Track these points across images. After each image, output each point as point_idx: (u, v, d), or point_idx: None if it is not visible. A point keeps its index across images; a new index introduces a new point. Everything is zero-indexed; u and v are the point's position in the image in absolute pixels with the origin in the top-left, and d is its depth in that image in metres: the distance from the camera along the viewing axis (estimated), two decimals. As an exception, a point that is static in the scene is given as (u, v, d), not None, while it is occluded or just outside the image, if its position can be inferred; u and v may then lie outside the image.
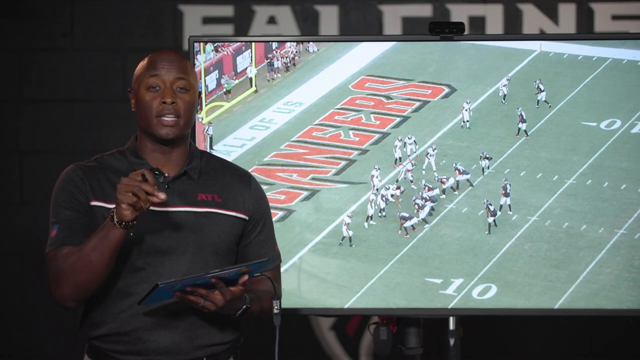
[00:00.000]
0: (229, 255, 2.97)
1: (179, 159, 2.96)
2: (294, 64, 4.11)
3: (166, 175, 2.92)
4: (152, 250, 2.87)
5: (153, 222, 2.86)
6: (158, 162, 2.94)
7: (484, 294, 3.92)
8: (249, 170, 3.92)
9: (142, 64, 2.94)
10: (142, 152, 2.95)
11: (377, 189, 4.00)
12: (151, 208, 2.83)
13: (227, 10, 5.36)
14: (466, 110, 4.06)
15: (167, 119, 2.88)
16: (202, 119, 3.97)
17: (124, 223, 2.71)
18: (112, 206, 2.81)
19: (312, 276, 3.96)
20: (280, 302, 2.89)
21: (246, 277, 2.76)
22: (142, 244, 2.87)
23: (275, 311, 2.87)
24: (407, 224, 3.98)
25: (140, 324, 2.87)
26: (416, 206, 3.99)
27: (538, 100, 4.06)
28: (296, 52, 4.09)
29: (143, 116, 2.90)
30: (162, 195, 2.70)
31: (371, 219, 3.98)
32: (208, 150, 3.93)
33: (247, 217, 3.00)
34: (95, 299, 2.89)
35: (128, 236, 2.77)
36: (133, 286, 2.86)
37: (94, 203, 2.88)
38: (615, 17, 5.31)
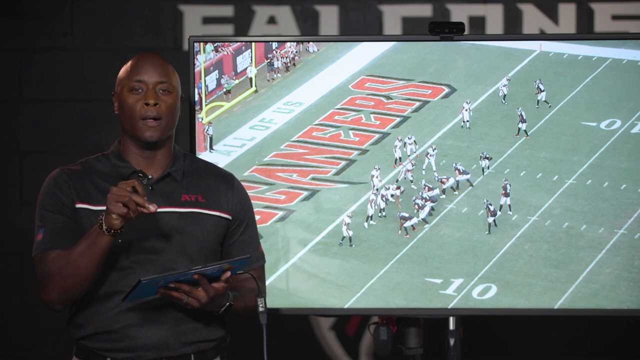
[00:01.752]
0: (213, 255, 3.01)
1: (163, 161, 3.00)
2: (294, 64, 4.11)
3: (150, 177, 2.95)
4: (138, 250, 2.90)
5: (138, 223, 2.88)
6: (142, 164, 2.98)
7: (484, 294, 3.92)
8: (249, 171, 3.94)
9: (125, 67, 3.01)
10: (125, 155, 2.99)
11: (377, 189, 4.00)
12: None
13: (227, 10, 5.36)
14: (466, 110, 4.06)
15: (150, 121, 2.91)
16: (202, 119, 3.97)
17: (112, 231, 2.74)
18: (97, 208, 2.86)
19: (312, 276, 3.96)
20: (265, 301, 2.90)
21: (229, 273, 2.78)
22: (127, 245, 2.89)
23: (261, 309, 2.88)
24: (407, 224, 3.98)
25: (127, 321, 2.90)
26: (416, 206, 3.99)
27: (538, 100, 4.06)
28: (296, 52, 4.09)
29: (127, 119, 2.95)
30: (152, 208, 2.73)
31: (371, 219, 3.98)
32: (208, 151, 3.94)
33: (230, 217, 3.03)
34: (82, 300, 2.91)
35: (115, 241, 2.79)
36: (120, 286, 2.89)
37: (78, 205, 2.91)
38: (615, 17, 5.31)
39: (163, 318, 2.91)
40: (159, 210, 2.92)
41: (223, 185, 3.06)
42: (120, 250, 2.89)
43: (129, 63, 2.99)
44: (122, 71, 3.00)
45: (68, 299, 2.87)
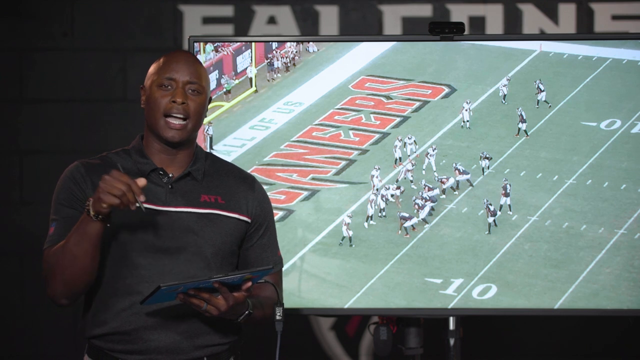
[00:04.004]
0: (230, 257, 2.98)
1: (184, 160, 2.97)
2: (294, 64, 4.11)
3: (170, 175, 2.93)
4: (153, 249, 2.87)
5: (155, 222, 2.87)
6: (163, 162, 2.95)
7: (484, 294, 3.92)
8: (249, 171, 3.94)
9: (158, 62, 2.95)
10: (147, 151, 2.95)
11: (377, 189, 4.00)
12: (154, 207, 2.85)
13: (227, 10, 5.36)
14: (466, 110, 4.06)
15: (175, 121, 2.88)
16: (202, 119, 3.97)
17: (100, 216, 2.72)
18: None
19: (312, 276, 3.96)
20: (283, 309, 2.89)
21: (250, 283, 2.77)
22: (143, 243, 2.87)
23: (278, 317, 2.87)
24: (407, 224, 3.98)
25: (141, 324, 2.87)
26: (416, 206, 3.99)
27: (538, 100, 4.06)
28: (296, 52, 4.09)
29: (151, 113, 2.91)
30: (142, 198, 2.70)
31: (371, 219, 3.98)
32: (208, 151, 3.93)
33: (249, 220, 3.00)
34: (95, 298, 2.90)
35: (106, 226, 2.77)
36: (134, 285, 2.87)
37: None
38: (615, 17, 5.31)
39: (176, 321, 2.89)
40: (177, 209, 2.91)
41: (243, 187, 3.02)
42: (136, 248, 2.87)
43: (162, 59, 2.95)
44: (154, 66, 2.95)
45: (71, 293, 2.84)
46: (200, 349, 2.92)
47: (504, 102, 4.07)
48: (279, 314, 2.88)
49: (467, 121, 4.07)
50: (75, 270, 2.79)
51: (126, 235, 2.84)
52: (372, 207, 3.98)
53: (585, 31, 5.27)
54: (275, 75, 4.10)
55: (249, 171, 3.94)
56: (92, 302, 2.91)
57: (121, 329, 2.88)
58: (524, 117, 4.03)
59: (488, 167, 4.02)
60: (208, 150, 3.93)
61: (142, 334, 2.88)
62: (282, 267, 3.11)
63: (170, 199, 2.90)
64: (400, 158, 4.03)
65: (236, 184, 3.02)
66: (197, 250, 2.90)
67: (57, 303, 2.86)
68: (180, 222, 2.90)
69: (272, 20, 5.34)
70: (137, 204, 2.69)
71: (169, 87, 2.90)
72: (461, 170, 4.02)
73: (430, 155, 4.03)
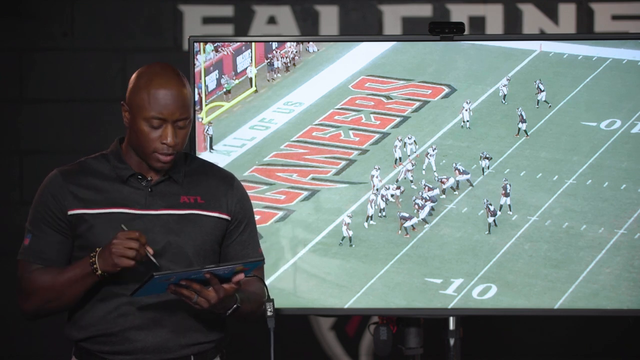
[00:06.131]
0: (212, 256, 2.99)
1: None
2: (294, 64, 4.11)
3: (149, 179, 2.93)
4: None
5: (136, 226, 2.87)
6: (142, 167, 2.95)
7: (484, 294, 3.92)
8: (249, 171, 3.94)
9: (147, 91, 2.86)
10: (125, 156, 2.96)
11: (377, 189, 4.00)
12: (135, 212, 2.87)
13: (227, 10, 5.36)
14: (466, 110, 4.06)
15: (164, 156, 2.88)
16: (202, 119, 3.97)
17: (106, 274, 2.77)
18: (94, 211, 2.86)
19: (312, 276, 3.96)
20: (273, 305, 2.89)
21: (242, 275, 2.78)
22: None
23: (269, 314, 2.87)
24: (407, 224, 3.98)
25: (127, 324, 2.89)
26: (416, 206, 3.99)
27: (538, 100, 4.06)
28: (296, 52, 4.09)
29: (139, 145, 2.89)
30: (150, 251, 2.79)
31: (371, 219, 3.98)
32: (208, 151, 3.94)
33: (229, 218, 3.01)
34: (79, 303, 2.92)
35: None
36: (118, 289, 2.89)
37: (72, 212, 2.90)
38: (615, 17, 5.31)
39: (162, 321, 2.90)
40: (157, 212, 2.92)
41: (223, 186, 3.04)
42: None
43: (150, 89, 2.85)
44: (141, 95, 2.86)
45: (44, 316, 2.95)
46: (187, 347, 2.93)
47: (504, 102, 4.07)
48: (269, 309, 2.87)
49: (467, 121, 4.07)
50: (58, 304, 2.89)
51: (108, 241, 2.84)
52: (372, 207, 3.98)
53: (585, 31, 5.27)
54: (275, 75, 4.10)
55: (249, 171, 3.96)
56: (77, 306, 2.94)
57: (107, 331, 2.91)
58: (524, 117, 4.03)
59: (488, 167, 4.02)
60: (208, 151, 3.94)
61: (128, 335, 2.90)
62: (264, 263, 3.11)
63: (150, 202, 2.92)
64: (400, 158, 4.03)
65: (215, 183, 3.03)
66: (178, 251, 2.92)
67: (26, 318, 2.93)
68: (161, 225, 2.91)
69: (272, 20, 5.34)
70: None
71: (159, 126, 2.87)
72: (461, 170, 4.02)
73: (430, 155, 4.03)
